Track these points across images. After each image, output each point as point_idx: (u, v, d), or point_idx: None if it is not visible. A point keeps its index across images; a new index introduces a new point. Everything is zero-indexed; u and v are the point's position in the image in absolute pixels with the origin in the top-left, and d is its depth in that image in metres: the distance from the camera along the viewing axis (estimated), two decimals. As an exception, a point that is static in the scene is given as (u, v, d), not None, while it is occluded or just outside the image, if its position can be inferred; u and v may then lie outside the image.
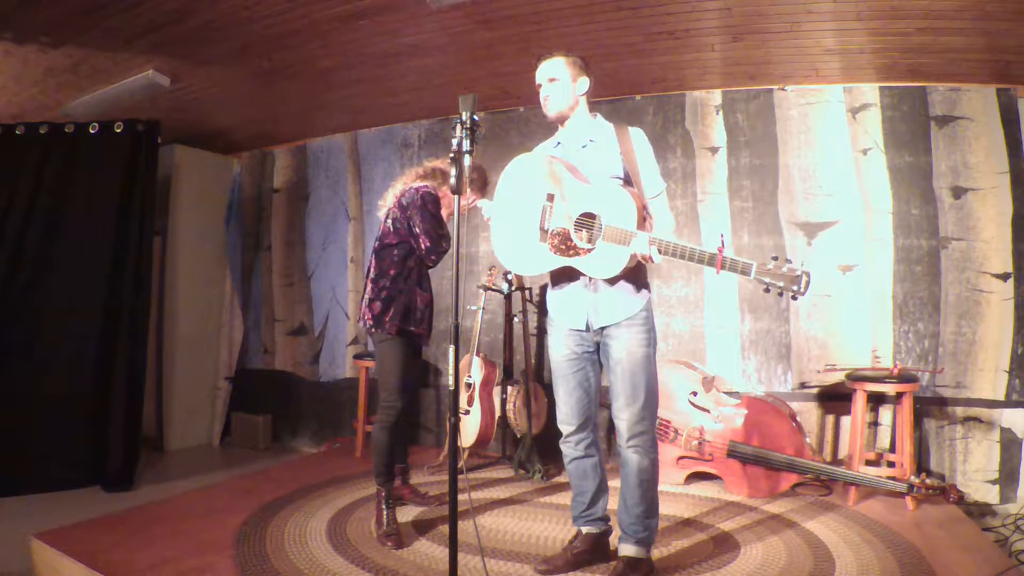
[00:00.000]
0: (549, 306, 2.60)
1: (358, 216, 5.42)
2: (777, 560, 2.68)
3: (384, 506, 3.00)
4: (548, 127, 2.65)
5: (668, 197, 2.55)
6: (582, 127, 2.53)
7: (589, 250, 2.36)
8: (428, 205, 3.06)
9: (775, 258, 2.11)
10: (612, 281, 2.40)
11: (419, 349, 3.29)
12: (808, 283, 2.07)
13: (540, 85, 2.52)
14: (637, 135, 2.48)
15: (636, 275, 2.44)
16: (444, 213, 3.17)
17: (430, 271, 3.21)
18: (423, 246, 3.04)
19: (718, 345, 4.31)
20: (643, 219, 2.32)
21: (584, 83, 2.51)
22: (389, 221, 3.14)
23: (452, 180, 2.21)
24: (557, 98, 2.49)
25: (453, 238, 2.09)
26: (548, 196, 2.47)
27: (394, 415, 3.06)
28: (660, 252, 2.21)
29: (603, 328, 2.45)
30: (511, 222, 2.57)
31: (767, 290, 2.12)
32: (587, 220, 2.38)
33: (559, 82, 2.48)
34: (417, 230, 3.04)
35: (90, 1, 3.25)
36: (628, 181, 2.44)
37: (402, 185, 3.22)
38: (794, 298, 2.10)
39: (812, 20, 3.38)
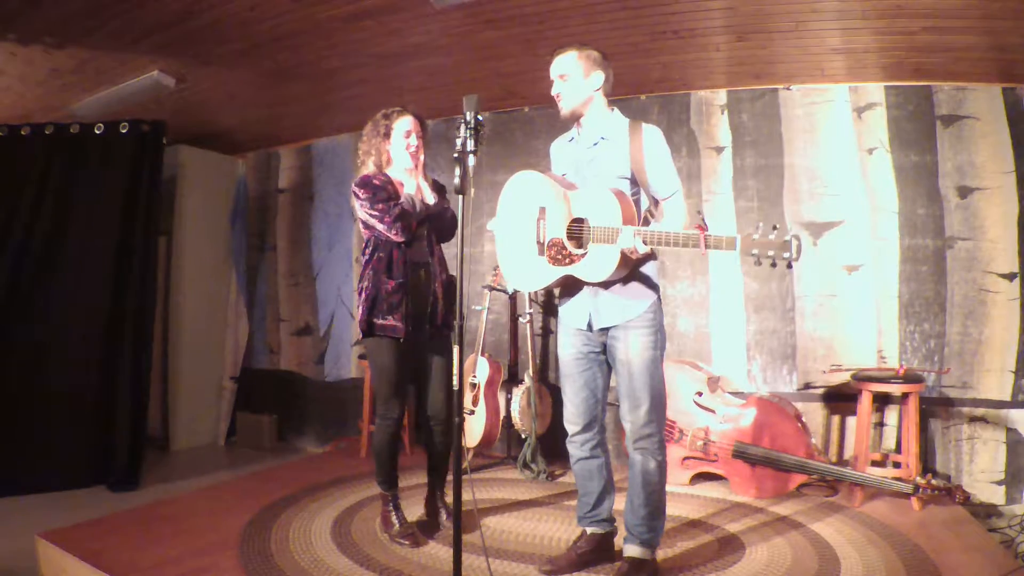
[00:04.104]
0: (558, 305, 2.61)
1: (363, 216, 5.42)
2: (782, 561, 2.67)
3: (391, 507, 2.99)
4: (552, 128, 2.65)
5: None
6: (596, 123, 2.49)
7: (583, 255, 2.36)
8: (359, 193, 2.86)
9: (759, 226, 2.01)
10: (609, 283, 2.39)
11: (411, 345, 2.92)
12: (800, 247, 1.95)
13: (553, 81, 2.48)
14: (650, 134, 2.41)
15: (640, 276, 2.43)
16: (378, 181, 2.92)
17: (435, 256, 2.98)
18: (380, 227, 2.83)
19: (723, 345, 4.29)
20: (631, 217, 2.28)
21: (598, 77, 2.44)
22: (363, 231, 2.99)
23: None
24: (568, 95, 2.45)
25: (458, 240, 2.07)
26: (540, 210, 2.49)
27: (389, 425, 2.93)
28: (645, 243, 2.18)
29: (608, 329, 2.45)
30: (512, 241, 2.58)
31: (758, 262, 2.00)
32: (577, 226, 2.38)
33: (570, 78, 2.43)
34: (366, 218, 2.85)
35: (95, 2, 3.25)
36: (634, 182, 2.43)
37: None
38: (789, 266, 1.97)
39: (817, 19, 3.36)
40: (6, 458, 3.98)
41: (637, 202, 2.45)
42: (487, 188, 4.75)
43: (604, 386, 2.58)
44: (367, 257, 2.92)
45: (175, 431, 5.35)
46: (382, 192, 2.86)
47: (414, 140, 2.94)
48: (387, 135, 2.94)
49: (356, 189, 2.87)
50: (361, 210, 2.85)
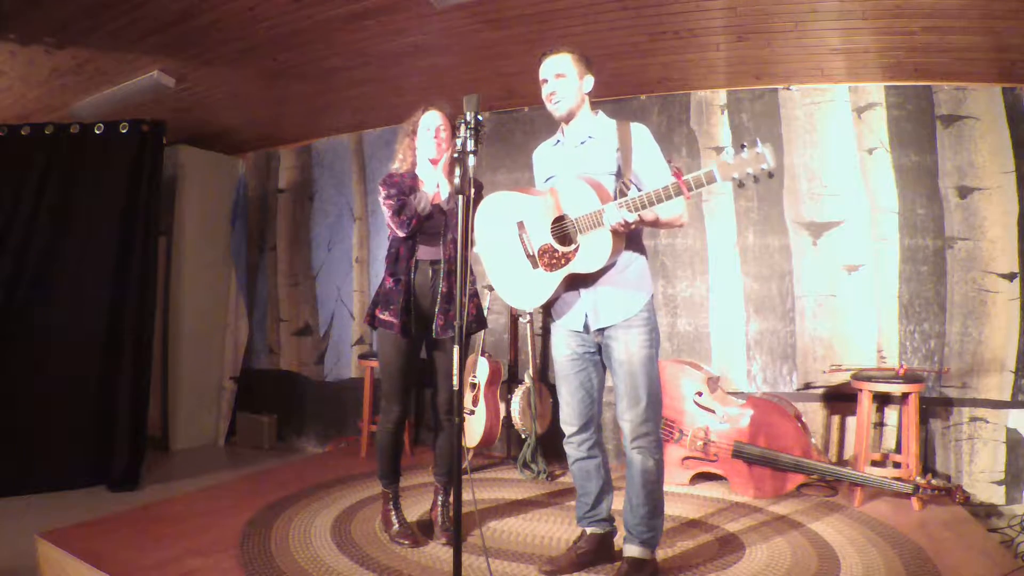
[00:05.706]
0: (551, 307, 2.60)
1: (363, 216, 5.43)
2: (782, 561, 2.67)
3: (391, 506, 2.99)
4: (552, 128, 2.64)
5: None
6: (583, 124, 2.51)
7: (575, 250, 2.36)
8: (380, 188, 2.86)
9: (725, 148, 2.04)
10: (606, 273, 2.39)
11: (418, 343, 2.96)
12: (772, 153, 1.98)
13: (545, 81, 2.47)
14: (638, 131, 2.44)
15: (635, 274, 2.44)
16: (397, 177, 2.90)
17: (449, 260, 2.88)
18: (389, 222, 2.84)
19: (723, 345, 4.29)
20: (607, 197, 2.31)
21: (589, 81, 2.47)
22: None
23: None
24: (565, 95, 2.44)
25: (459, 239, 2.06)
26: (518, 225, 2.50)
27: (391, 421, 2.93)
28: (631, 211, 2.18)
29: (603, 329, 2.45)
30: (502, 266, 2.57)
31: (741, 184, 2.04)
32: (559, 225, 2.38)
33: (567, 79, 2.44)
34: (383, 212, 2.87)
35: (95, 2, 3.26)
36: (623, 177, 2.42)
37: None
38: (770, 175, 2.00)
39: (817, 19, 3.37)
40: (6, 458, 3.98)
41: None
42: (487, 188, 4.73)
43: (600, 386, 2.58)
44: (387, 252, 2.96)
45: (175, 431, 5.35)
46: (396, 188, 2.86)
47: (442, 135, 2.86)
48: (413, 131, 2.92)
49: (379, 185, 2.90)
50: (382, 204, 2.86)
